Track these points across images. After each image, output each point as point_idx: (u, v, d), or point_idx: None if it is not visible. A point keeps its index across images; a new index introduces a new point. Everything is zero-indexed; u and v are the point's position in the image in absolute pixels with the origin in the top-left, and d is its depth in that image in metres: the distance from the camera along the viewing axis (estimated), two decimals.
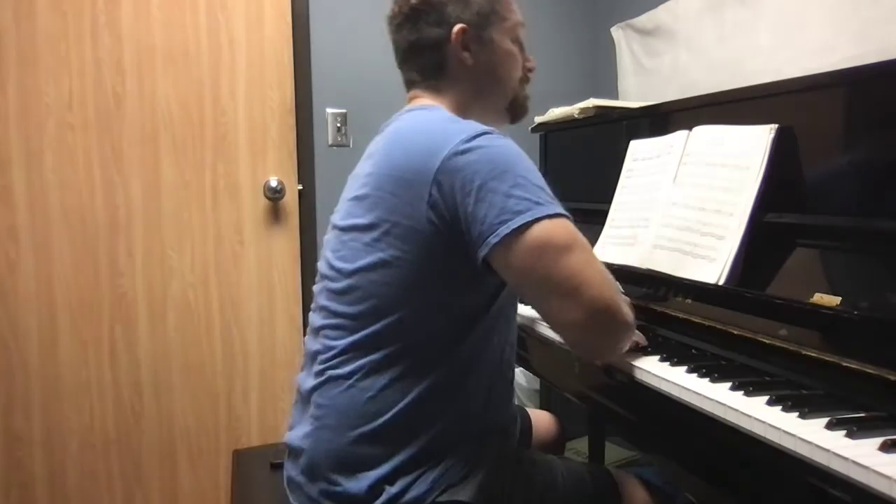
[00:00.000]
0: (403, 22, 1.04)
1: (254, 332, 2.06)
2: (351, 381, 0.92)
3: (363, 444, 0.91)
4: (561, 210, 0.87)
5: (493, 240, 0.84)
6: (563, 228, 0.86)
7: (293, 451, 1.00)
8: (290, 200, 2.07)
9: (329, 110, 2.13)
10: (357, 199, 0.97)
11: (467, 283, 0.91)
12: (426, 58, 1.04)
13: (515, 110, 1.12)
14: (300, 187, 2.09)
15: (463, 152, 0.86)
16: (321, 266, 1.04)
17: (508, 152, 0.88)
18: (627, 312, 0.89)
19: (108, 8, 1.85)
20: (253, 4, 1.98)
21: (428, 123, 0.96)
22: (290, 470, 1.00)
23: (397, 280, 0.90)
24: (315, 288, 1.05)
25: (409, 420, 0.91)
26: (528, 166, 0.88)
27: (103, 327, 1.91)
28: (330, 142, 2.14)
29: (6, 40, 1.77)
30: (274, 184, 2.02)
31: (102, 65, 1.85)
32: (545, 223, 0.84)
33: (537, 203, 0.85)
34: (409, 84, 1.09)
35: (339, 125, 2.15)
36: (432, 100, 1.05)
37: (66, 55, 1.82)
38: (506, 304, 0.99)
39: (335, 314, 0.96)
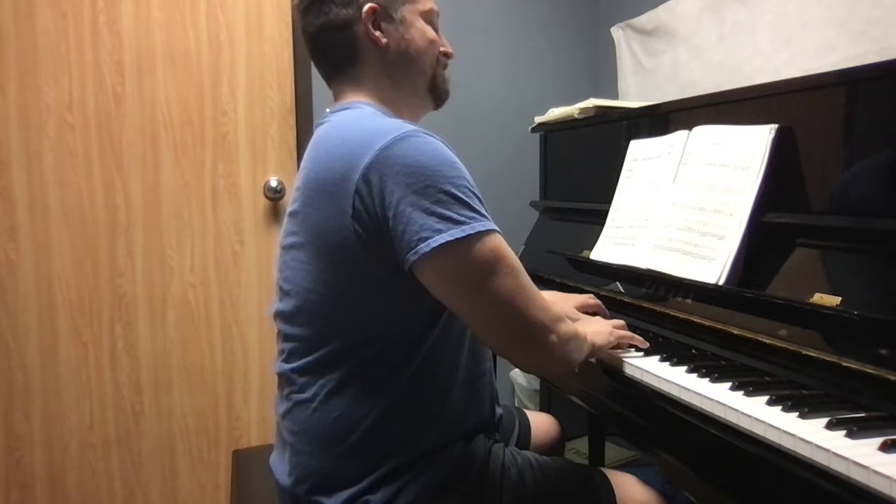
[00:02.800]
0: (310, 5, 0.99)
1: (254, 332, 2.06)
2: (315, 405, 0.91)
3: (339, 463, 0.90)
4: (486, 226, 0.83)
5: (412, 257, 0.81)
6: (487, 250, 0.82)
7: (273, 474, 1.00)
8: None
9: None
10: (292, 214, 0.95)
11: (407, 292, 0.87)
12: (336, 41, 0.99)
13: (437, 92, 1.07)
14: None
15: (382, 160, 0.82)
16: (274, 286, 1.02)
17: (431, 159, 0.83)
18: (559, 333, 0.87)
19: (108, 8, 1.85)
20: (253, 4, 1.98)
21: (347, 129, 0.91)
22: (275, 489, 1.00)
23: (337, 301, 0.89)
24: (271, 311, 1.02)
25: (380, 434, 0.90)
26: (452, 175, 0.83)
27: (103, 327, 1.91)
28: None
29: (6, 40, 1.77)
30: (274, 184, 2.02)
31: (102, 65, 1.85)
32: (467, 244, 0.81)
33: (459, 222, 0.81)
34: (328, 79, 1.05)
35: None
36: (354, 92, 1.01)
37: (66, 55, 1.82)
38: None
39: (288, 337, 0.96)
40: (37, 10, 1.79)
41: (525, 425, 1.27)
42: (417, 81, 1.04)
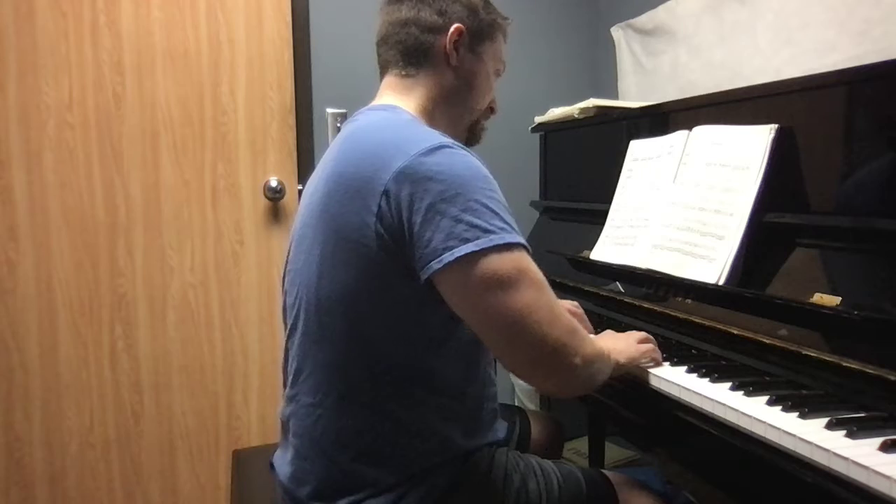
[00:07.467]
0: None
1: (254, 332, 2.06)
2: (321, 411, 0.89)
3: (341, 472, 0.89)
4: (514, 239, 0.81)
5: (436, 265, 0.79)
6: (511, 262, 0.80)
7: (276, 471, 0.99)
8: (290, 200, 2.07)
9: (329, 110, 2.13)
10: (309, 206, 0.94)
11: (420, 303, 0.85)
12: (415, 37, 0.99)
13: (473, 134, 1.09)
14: (300, 187, 2.09)
15: (416, 166, 0.81)
16: (285, 276, 1.00)
17: (465, 171, 0.82)
18: (583, 353, 0.83)
19: (108, 8, 1.85)
20: (253, 4, 1.98)
21: (383, 130, 0.90)
22: (277, 487, 0.99)
23: (348, 302, 0.86)
24: (281, 301, 1.00)
25: (383, 448, 0.88)
26: (484, 187, 0.83)
27: (103, 327, 1.91)
28: (330, 142, 2.14)
29: (6, 40, 1.77)
30: (274, 184, 2.02)
31: (102, 65, 1.85)
32: (493, 255, 0.79)
33: (487, 231, 0.79)
34: (384, 67, 1.04)
35: (339, 125, 2.15)
36: (399, 95, 1.00)
37: (66, 55, 1.82)
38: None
39: (297, 334, 0.94)
40: (37, 10, 1.79)
41: (525, 425, 1.27)
42: (464, 114, 1.05)
